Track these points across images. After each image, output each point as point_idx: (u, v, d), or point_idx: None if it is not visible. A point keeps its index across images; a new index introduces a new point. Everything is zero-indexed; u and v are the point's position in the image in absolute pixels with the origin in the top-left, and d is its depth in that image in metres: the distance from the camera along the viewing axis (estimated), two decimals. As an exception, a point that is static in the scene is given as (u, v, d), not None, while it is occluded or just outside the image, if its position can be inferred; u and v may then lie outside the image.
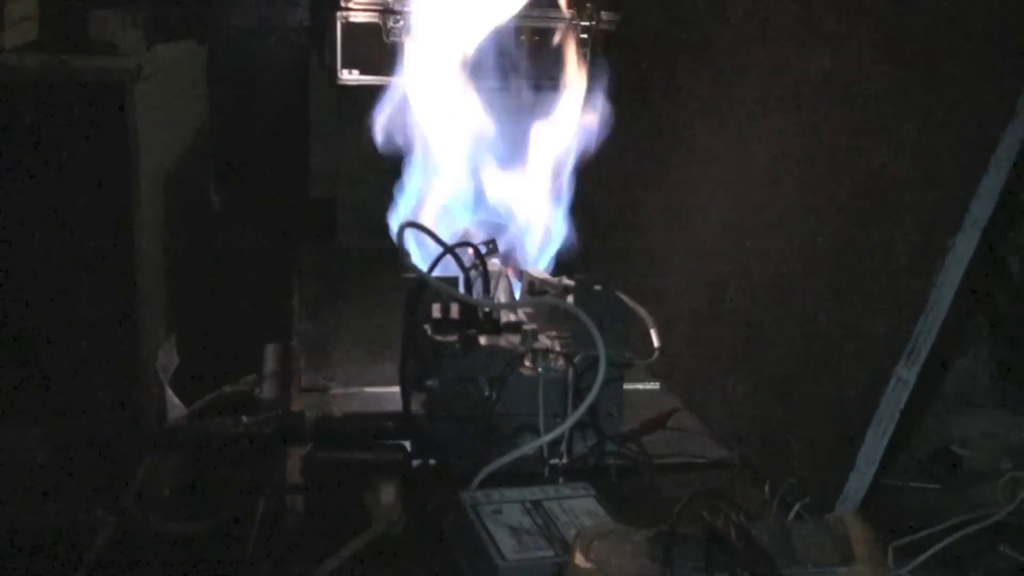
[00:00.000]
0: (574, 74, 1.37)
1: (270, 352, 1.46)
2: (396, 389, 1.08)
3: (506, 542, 0.90)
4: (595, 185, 1.41)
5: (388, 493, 0.95)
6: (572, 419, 1.03)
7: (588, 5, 1.65)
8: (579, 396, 1.04)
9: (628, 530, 0.84)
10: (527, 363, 1.07)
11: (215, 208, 2.21)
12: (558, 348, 1.09)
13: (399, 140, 1.30)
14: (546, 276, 1.23)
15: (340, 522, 0.94)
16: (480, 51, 1.35)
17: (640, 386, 1.30)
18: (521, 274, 1.25)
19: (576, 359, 1.06)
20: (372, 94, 1.36)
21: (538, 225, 1.32)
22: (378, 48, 1.73)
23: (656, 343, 1.17)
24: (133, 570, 1.39)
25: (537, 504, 0.97)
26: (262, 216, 2.18)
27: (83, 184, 1.86)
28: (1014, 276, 1.25)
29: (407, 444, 1.06)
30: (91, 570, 1.43)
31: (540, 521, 0.94)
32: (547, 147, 1.34)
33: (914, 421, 1.09)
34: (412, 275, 1.08)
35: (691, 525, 0.81)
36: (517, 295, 1.23)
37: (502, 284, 1.20)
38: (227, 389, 1.43)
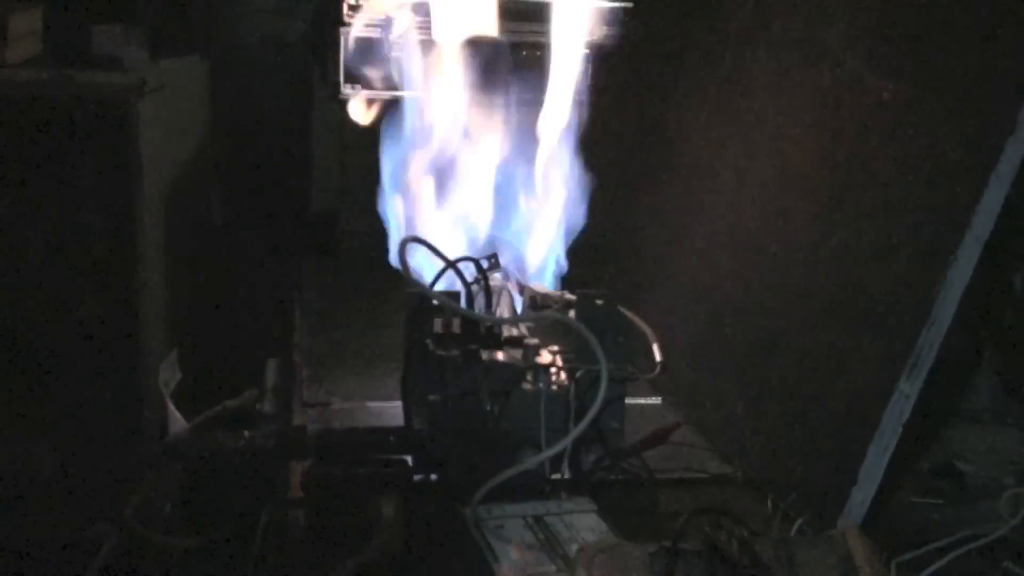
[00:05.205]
0: (575, 89, 1.38)
1: (272, 367, 1.46)
2: (398, 404, 1.08)
3: (508, 558, 0.90)
4: (597, 200, 1.41)
5: (389, 508, 0.95)
6: (574, 434, 1.03)
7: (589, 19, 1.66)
8: (581, 411, 1.04)
9: (630, 545, 0.84)
10: (529, 378, 1.07)
11: (218, 222, 2.21)
12: (560, 363, 1.09)
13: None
14: (548, 291, 1.23)
15: (342, 537, 0.94)
16: (480, 66, 1.35)
17: (642, 401, 1.30)
18: (523, 289, 1.25)
19: (578, 374, 1.06)
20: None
21: (540, 240, 1.32)
22: (381, 63, 1.74)
23: (658, 358, 1.17)
24: (134, 584, 1.39)
25: (539, 519, 0.97)
26: (265, 230, 2.18)
27: (87, 198, 1.86)
28: (1017, 291, 1.25)
29: (409, 459, 1.06)
30: (92, 584, 1.43)
31: (542, 536, 0.94)
32: (548, 162, 1.34)
33: (919, 436, 1.09)
34: (414, 289, 1.09)
35: (693, 540, 0.81)
36: (519, 310, 1.23)
37: (504, 299, 1.20)
38: (229, 403, 1.43)
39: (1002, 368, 1.26)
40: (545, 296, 1.20)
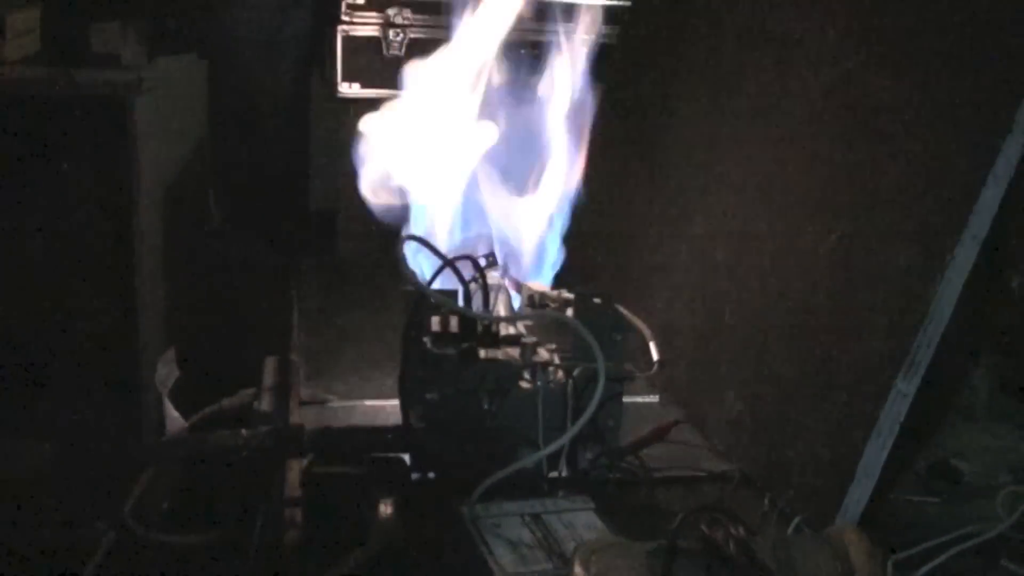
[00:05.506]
0: (573, 87, 1.37)
1: (269, 365, 1.46)
2: (395, 402, 1.08)
3: (505, 556, 0.90)
4: (594, 198, 1.41)
5: (387, 506, 0.95)
6: (571, 432, 1.03)
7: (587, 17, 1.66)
8: (578, 409, 1.04)
9: (628, 544, 0.84)
10: (526, 376, 1.07)
11: (215, 221, 2.21)
12: (557, 361, 1.09)
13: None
14: (545, 289, 1.23)
15: (339, 535, 0.94)
16: (478, 65, 1.35)
17: (639, 399, 1.30)
18: (520, 287, 1.25)
19: (575, 372, 1.06)
20: (372, 107, 1.37)
21: (537, 238, 1.32)
22: (378, 61, 1.74)
23: (655, 356, 1.17)
24: (132, 583, 1.39)
25: (536, 518, 0.97)
26: (262, 229, 2.18)
27: (84, 196, 1.86)
28: (1014, 290, 1.25)
29: (406, 457, 1.06)
30: (90, 582, 1.43)
31: (539, 535, 0.94)
32: (545, 160, 1.34)
33: (917, 435, 1.09)
34: (412, 288, 1.08)
35: (691, 538, 0.81)
36: (516, 308, 1.23)
37: (501, 297, 1.20)
38: (226, 402, 1.43)
39: (999, 367, 1.26)
40: (543, 294, 1.20)
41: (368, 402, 1.27)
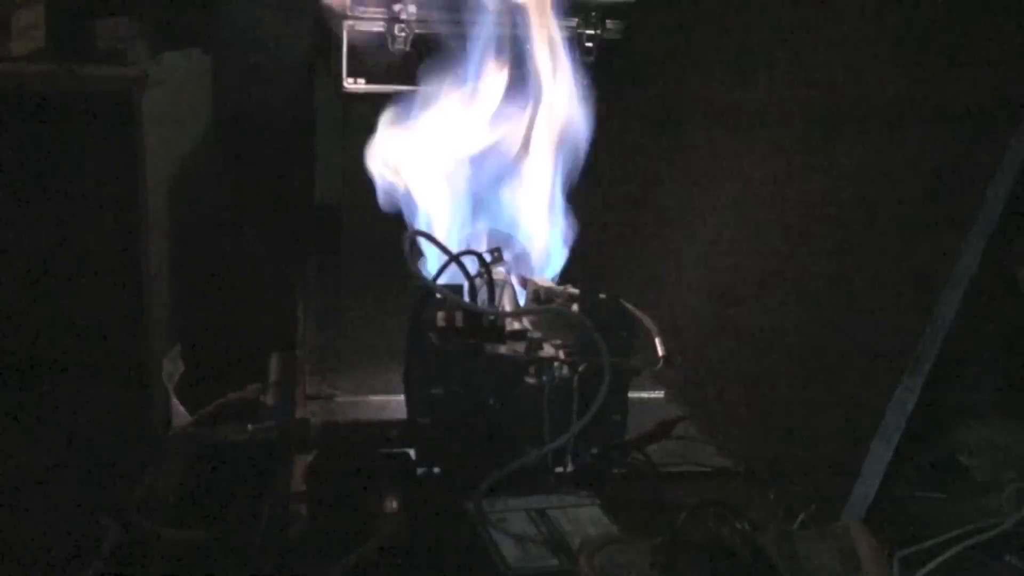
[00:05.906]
0: (578, 83, 1.37)
1: (275, 360, 1.46)
2: (401, 397, 1.08)
3: (510, 551, 0.90)
4: (600, 194, 1.41)
5: (392, 501, 0.95)
6: (576, 427, 1.03)
7: (593, 13, 1.66)
8: (584, 405, 1.04)
9: (633, 539, 0.84)
10: (532, 371, 1.07)
11: (221, 215, 2.21)
12: (563, 356, 1.09)
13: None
14: (551, 284, 1.23)
15: (344, 530, 0.94)
16: (482, 60, 1.35)
17: (645, 395, 1.29)
18: (526, 282, 1.25)
19: (581, 367, 1.06)
20: (378, 102, 1.37)
21: (543, 233, 1.32)
22: (384, 57, 1.73)
23: (661, 351, 1.17)
24: (138, 577, 1.39)
25: (542, 513, 0.97)
26: (268, 224, 2.18)
27: (90, 192, 1.86)
28: (1020, 286, 1.25)
29: (411, 452, 1.06)
30: (96, 577, 1.43)
31: (544, 530, 0.94)
32: (550, 155, 1.34)
33: (922, 430, 1.09)
34: (417, 283, 1.09)
35: (696, 534, 0.81)
36: (522, 303, 1.23)
37: (507, 292, 1.20)
38: (232, 397, 1.43)
39: (1006, 363, 1.26)
40: (548, 290, 1.20)
41: (373, 397, 1.27)
